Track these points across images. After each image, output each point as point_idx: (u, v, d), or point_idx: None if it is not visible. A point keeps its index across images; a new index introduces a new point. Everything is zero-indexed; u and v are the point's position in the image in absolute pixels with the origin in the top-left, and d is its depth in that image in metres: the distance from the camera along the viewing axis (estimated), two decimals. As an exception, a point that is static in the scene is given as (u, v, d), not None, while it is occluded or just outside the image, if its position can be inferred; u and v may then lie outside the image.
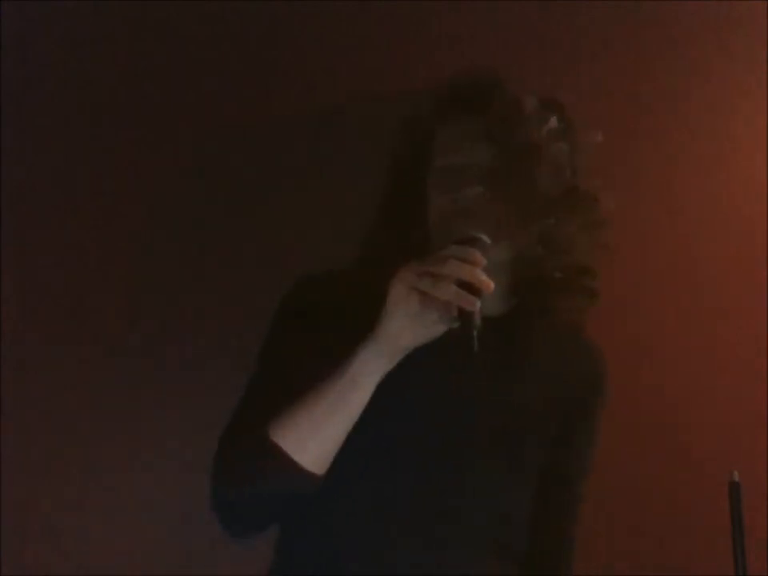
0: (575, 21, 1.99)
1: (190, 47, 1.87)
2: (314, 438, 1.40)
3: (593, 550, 1.85)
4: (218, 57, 1.87)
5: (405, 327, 1.37)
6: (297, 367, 1.48)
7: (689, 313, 1.97)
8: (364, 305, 1.44)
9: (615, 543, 1.88)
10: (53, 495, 1.75)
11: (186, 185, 1.83)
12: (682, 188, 2.01)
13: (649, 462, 1.91)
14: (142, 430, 1.83)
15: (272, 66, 1.92)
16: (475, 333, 1.33)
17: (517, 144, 1.53)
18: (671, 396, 1.94)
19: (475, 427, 1.49)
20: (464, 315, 1.34)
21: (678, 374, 1.95)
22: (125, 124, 1.85)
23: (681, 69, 2.01)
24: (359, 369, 1.39)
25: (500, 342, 1.50)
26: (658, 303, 1.97)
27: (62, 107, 1.84)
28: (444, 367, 1.47)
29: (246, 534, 1.50)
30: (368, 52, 1.94)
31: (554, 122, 1.56)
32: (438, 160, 1.55)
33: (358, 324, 1.43)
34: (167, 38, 1.86)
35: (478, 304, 1.34)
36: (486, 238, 1.41)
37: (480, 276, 1.35)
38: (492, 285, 1.36)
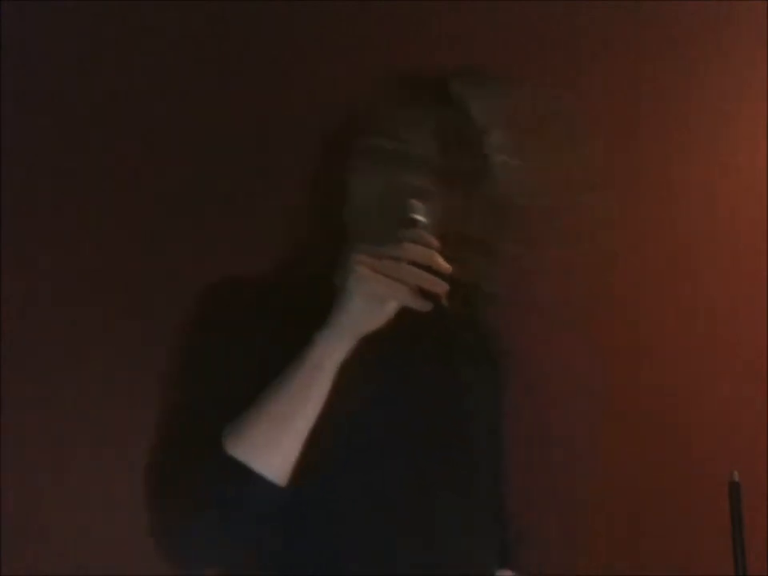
0: (575, 21, 1.99)
1: (190, 47, 1.86)
2: (277, 443, 1.32)
3: (593, 549, 1.85)
4: (218, 57, 1.86)
5: (365, 310, 1.31)
6: (228, 373, 1.39)
7: (689, 313, 1.97)
8: (288, 305, 1.42)
9: (615, 543, 1.88)
10: (53, 495, 1.75)
11: (187, 184, 1.83)
12: (682, 188, 2.01)
13: (649, 462, 1.91)
14: (142, 430, 1.83)
15: (272, 65, 1.92)
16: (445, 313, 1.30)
17: (468, 145, 1.48)
18: (671, 396, 1.94)
19: (455, 412, 1.47)
20: (431, 298, 1.30)
21: (678, 374, 1.95)
22: (125, 124, 1.85)
23: (681, 69, 2.02)
24: (321, 357, 1.32)
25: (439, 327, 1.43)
26: (657, 303, 1.97)
27: (62, 107, 1.84)
28: (416, 353, 1.45)
29: (205, 566, 1.38)
30: (368, 52, 1.94)
31: (501, 135, 1.50)
32: (373, 141, 1.47)
33: (284, 324, 1.39)
34: (167, 38, 1.86)
35: (447, 285, 1.29)
36: (424, 220, 1.35)
37: (438, 259, 1.30)
38: (449, 267, 1.31)
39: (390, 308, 1.30)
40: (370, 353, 1.35)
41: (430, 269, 1.29)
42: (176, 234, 1.87)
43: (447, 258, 1.36)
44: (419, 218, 1.35)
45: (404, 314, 1.31)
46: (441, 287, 1.29)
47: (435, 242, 1.31)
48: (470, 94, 1.52)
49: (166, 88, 1.87)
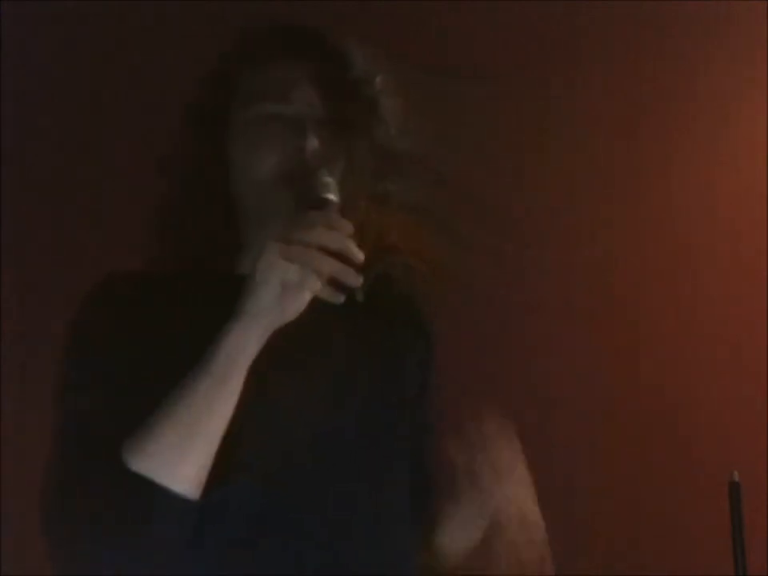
0: (575, 21, 1.99)
1: (190, 47, 1.86)
2: (187, 451, 1.19)
3: (593, 550, 1.85)
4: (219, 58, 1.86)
5: (278, 300, 1.20)
6: (127, 374, 1.27)
7: (689, 313, 1.97)
8: (182, 302, 1.32)
9: (615, 543, 1.88)
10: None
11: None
12: (682, 188, 2.01)
13: (649, 462, 1.91)
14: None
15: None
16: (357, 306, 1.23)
17: (352, 95, 1.39)
18: (671, 396, 1.94)
19: (371, 403, 1.35)
20: (344, 289, 1.21)
21: (678, 374, 1.95)
22: (125, 124, 1.85)
23: (681, 69, 2.01)
24: (232, 355, 1.20)
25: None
26: (657, 303, 1.97)
27: (62, 107, 1.84)
28: (329, 343, 1.33)
29: None
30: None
31: (382, 78, 1.41)
32: (254, 108, 1.37)
33: (182, 319, 1.29)
34: (167, 38, 1.86)
35: (361, 279, 1.20)
36: (335, 199, 1.26)
37: (351, 246, 1.21)
38: (362, 256, 1.21)
39: (304, 298, 1.20)
40: (280, 344, 1.23)
41: (343, 257, 1.20)
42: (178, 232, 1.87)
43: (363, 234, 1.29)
44: (331, 197, 1.27)
45: (315, 303, 1.20)
46: (354, 279, 1.20)
47: (349, 227, 1.22)
48: (342, 43, 1.42)
49: (167, 88, 1.87)
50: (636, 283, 1.97)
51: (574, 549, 1.81)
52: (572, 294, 1.95)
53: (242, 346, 1.21)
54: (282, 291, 1.20)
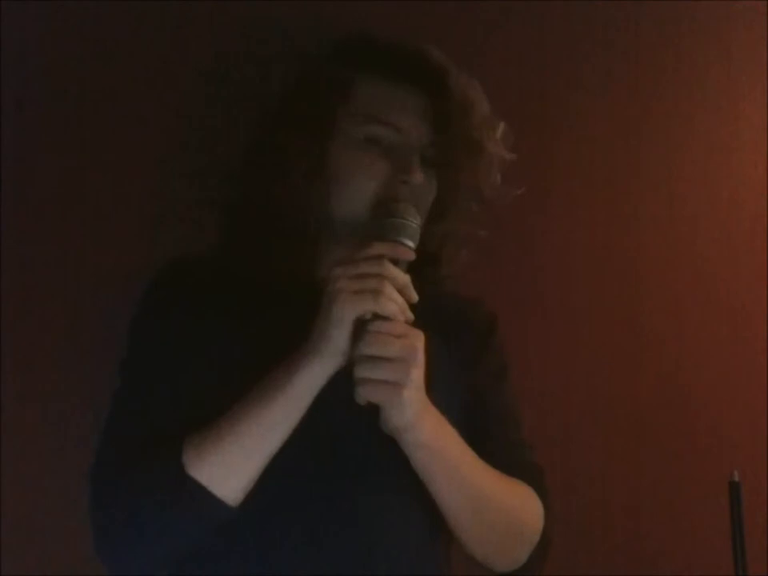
0: (575, 21, 1.99)
1: (190, 47, 1.86)
2: (242, 467, 1.24)
3: (593, 549, 1.85)
4: (218, 57, 1.86)
5: (351, 340, 1.23)
6: (186, 368, 1.33)
7: (688, 312, 1.97)
8: (243, 290, 1.35)
9: (615, 543, 1.88)
10: (53, 495, 1.74)
11: (189, 184, 1.83)
12: (682, 187, 2.01)
13: (649, 462, 1.91)
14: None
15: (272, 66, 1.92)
16: None
17: (469, 142, 1.41)
18: (671, 396, 1.94)
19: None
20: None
21: (677, 374, 1.95)
22: (125, 123, 1.85)
23: (681, 69, 2.01)
24: (304, 386, 1.24)
25: None
26: (657, 303, 1.97)
27: (62, 107, 1.83)
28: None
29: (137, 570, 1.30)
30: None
31: (502, 128, 1.45)
32: (365, 128, 1.37)
33: (238, 312, 1.33)
34: (168, 38, 1.86)
35: (411, 316, 1.25)
36: (413, 245, 1.30)
37: (410, 288, 1.25)
38: (416, 298, 1.25)
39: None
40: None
41: (403, 294, 1.24)
42: (178, 232, 1.87)
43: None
44: (410, 243, 1.28)
45: None
46: (408, 316, 1.24)
47: (411, 256, 1.26)
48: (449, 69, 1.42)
49: (167, 88, 1.86)
50: (636, 283, 1.97)
51: (574, 549, 1.81)
52: (571, 294, 1.95)
53: (314, 386, 1.25)
54: (355, 329, 1.22)
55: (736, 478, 1.44)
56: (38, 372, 1.77)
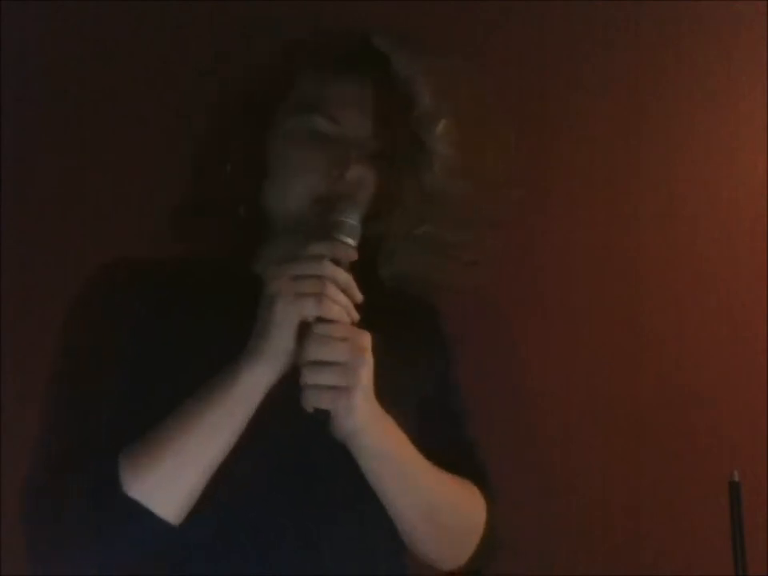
0: (575, 21, 1.99)
1: (190, 47, 1.86)
2: (183, 482, 1.17)
3: (593, 549, 1.85)
4: (218, 57, 1.86)
5: (294, 342, 1.18)
6: (125, 364, 1.27)
7: (688, 312, 1.97)
8: (186, 291, 1.31)
9: (615, 543, 1.88)
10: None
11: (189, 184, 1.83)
12: (682, 187, 2.01)
13: (649, 462, 1.91)
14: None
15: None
16: None
17: (408, 133, 1.34)
18: (671, 396, 1.94)
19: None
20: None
21: (677, 374, 1.95)
22: (125, 123, 1.85)
23: (681, 69, 2.01)
24: (247, 392, 1.18)
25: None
26: (657, 303, 1.97)
27: (61, 106, 1.84)
28: None
29: None
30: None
31: (445, 125, 1.36)
32: (302, 118, 1.33)
33: (178, 312, 1.28)
34: (168, 38, 1.86)
35: (357, 316, 1.20)
36: (353, 244, 1.24)
37: (353, 288, 1.20)
38: (361, 297, 1.21)
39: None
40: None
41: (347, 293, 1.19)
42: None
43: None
44: (350, 241, 1.23)
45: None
46: (356, 316, 1.20)
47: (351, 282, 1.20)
48: (397, 56, 1.35)
49: (168, 88, 1.86)
50: (635, 282, 1.97)
51: (574, 549, 1.81)
52: (571, 294, 1.95)
53: (259, 387, 1.19)
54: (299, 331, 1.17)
55: (736, 478, 1.44)
56: (38, 372, 1.77)
